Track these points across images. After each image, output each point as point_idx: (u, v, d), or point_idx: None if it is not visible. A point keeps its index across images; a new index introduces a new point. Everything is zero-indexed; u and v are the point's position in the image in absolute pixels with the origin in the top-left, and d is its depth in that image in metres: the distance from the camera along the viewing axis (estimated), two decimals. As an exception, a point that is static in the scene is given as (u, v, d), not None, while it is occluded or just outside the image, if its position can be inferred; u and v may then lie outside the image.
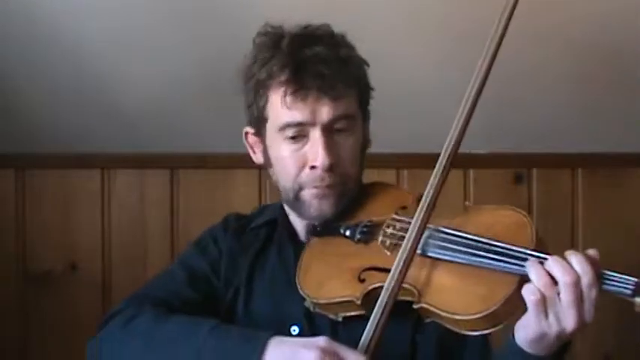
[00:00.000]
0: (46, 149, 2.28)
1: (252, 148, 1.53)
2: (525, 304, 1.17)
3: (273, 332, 1.29)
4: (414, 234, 1.26)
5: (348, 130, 1.41)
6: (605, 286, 1.17)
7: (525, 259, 1.20)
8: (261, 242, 1.53)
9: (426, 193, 1.29)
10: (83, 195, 2.33)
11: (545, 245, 1.25)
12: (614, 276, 1.17)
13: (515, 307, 1.19)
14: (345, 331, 1.34)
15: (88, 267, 2.32)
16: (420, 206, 1.28)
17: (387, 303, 1.23)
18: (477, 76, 1.33)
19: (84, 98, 2.17)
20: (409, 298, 1.26)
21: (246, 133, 1.52)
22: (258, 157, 1.52)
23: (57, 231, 2.32)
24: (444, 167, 1.31)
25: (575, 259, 1.18)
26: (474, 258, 1.23)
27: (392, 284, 1.23)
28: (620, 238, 2.41)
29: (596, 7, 2.03)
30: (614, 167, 2.42)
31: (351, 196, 1.44)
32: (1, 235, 2.31)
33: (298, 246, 1.47)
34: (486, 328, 1.20)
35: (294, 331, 1.41)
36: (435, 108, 2.28)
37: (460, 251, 1.25)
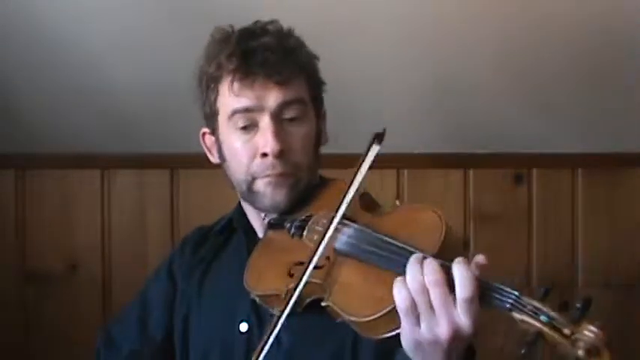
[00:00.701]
0: (46, 149, 2.28)
1: (208, 149, 1.54)
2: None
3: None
4: (326, 231, 1.26)
5: (299, 119, 1.42)
6: (483, 295, 1.09)
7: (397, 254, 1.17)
8: (217, 247, 1.56)
9: (344, 193, 1.29)
10: (83, 195, 2.33)
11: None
12: (495, 286, 1.10)
13: None
14: (286, 321, 1.30)
15: (88, 267, 2.32)
16: (340, 203, 1.28)
17: (291, 295, 1.23)
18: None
19: (84, 98, 2.17)
20: (320, 296, 1.24)
21: (203, 134, 1.54)
22: (214, 157, 1.52)
23: (57, 231, 2.32)
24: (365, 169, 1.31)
25: (456, 262, 1.11)
26: (375, 257, 1.20)
27: (301, 279, 1.24)
28: (619, 238, 2.41)
29: (594, 9, 2.03)
30: (614, 167, 2.42)
31: (305, 187, 1.43)
32: (1, 235, 2.31)
33: (253, 240, 1.48)
34: (384, 332, 1.15)
35: (244, 327, 1.43)
36: (435, 108, 2.28)
37: (364, 250, 1.23)
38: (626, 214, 2.43)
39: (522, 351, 1.03)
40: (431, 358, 1.13)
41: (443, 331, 1.09)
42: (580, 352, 0.99)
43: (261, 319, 1.40)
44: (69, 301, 2.31)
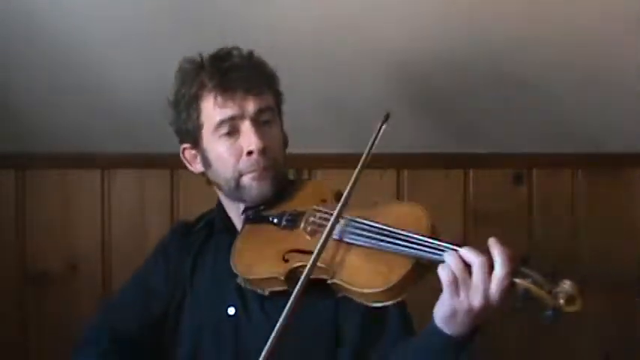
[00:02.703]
0: (46, 149, 2.29)
1: (189, 162, 1.76)
2: (416, 281, 1.39)
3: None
4: (332, 222, 1.49)
5: (271, 122, 1.67)
6: (516, 279, 1.31)
7: (419, 244, 1.39)
8: (201, 240, 1.77)
9: (346, 190, 1.52)
10: (83, 195, 2.33)
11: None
12: (531, 273, 1.31)
13: (409, 282, 1.39)
14: (270, 303, 1.57)
15: (88, 267, 2.33)
16: (341, 201, 1.51)
17: (307, 274, 1.45)
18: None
19: (84, 98, 2.17)
20: (324, 276, 1.46)
21: (183, 150, 1.75)
22: (196, 167, 1.74)
23: (57, 231, 2.32)
24: (360, 170, 1.54)
25: (495, 245, 1.32)
26: (379, 243, 1.44)
27: (312, 261, 1.46)
28: (620, 237, 2.42)
29: (594, 8, 2.03)
30: (614, 167, 2.42)
31: (282, 180, 1.68)
32: (1, 235, 2.31)
33: (234, 235, 1.68)
34: (388, 300, 1.40)
35: (231, 311, 1.64)
36: (436, 108, 2.28)
37: (369, 237, 1.46)
38: (626, 214, 2.43)
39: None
40: (461, 323, 1.35)
41: (478, 301, 1.31)
42: (561, 301, 1.27)
43: (245, 303, 1.63)
44: (69, 301, 2.31)
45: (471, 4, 2.01)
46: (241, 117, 1.62)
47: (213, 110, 1.63)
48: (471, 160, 2.36)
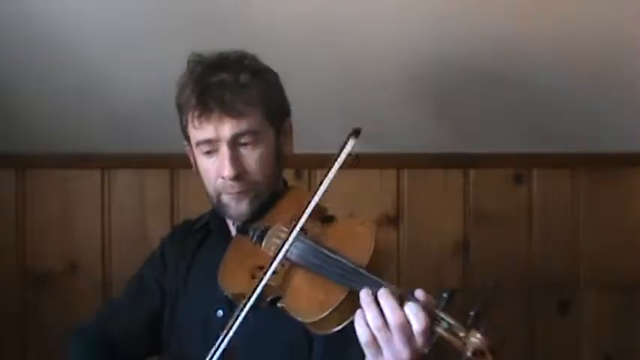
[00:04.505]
0: (46, 149, 2.29)
1: (191, 162, 1.73)
2: (356, 309, 1.32)
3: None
4: (284, 244, 1.45)
5: (253, 144, 1.61)
6: (436, 329, 1.27)
7: (357, 278, 1.35)
8: (198, 241, 1.78)
9: (301, 217, 1.46)
10: (83, 195, 2.33)
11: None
12: (446, 321, 1.27)
13: (348, 310, 1.34)
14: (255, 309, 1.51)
15: (88, 267, 2.33)
16: (292, 226, 1.46)
17: (249, 297, 1.44)
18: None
19: (84, 98, 2.17)
20: (278, 294, 1.46)
21: (186, 147, 1.73)
22: (194, 167, 1.72)
23: (57, 231, 2.32)
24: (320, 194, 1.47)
25: (408, 303, 1.28)
26: (317, 267, 1.42)
27: (259, 282, 1.45)
28: (620, 238, 2.41)
29: (593, 11, 2.03)
30: (614, 167, 2.42)
31: (267, 196, 1.64)
32: (1, 235, 2.31)
33: (228, 238, 1.69)
34: (330, 329, 1.37)
35: (220, 314, 1.65)
36: (436, 108, 2.28)
37: (310, 261, 1.44)
38: (626, 214, 2.43)
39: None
40: None
41: (406, 356, 1.27)
42: (468, 354, 1.22)
43: (233, 308, 1.56)
44: (69, 301, 2.31)
45: (470, 5, 2.01)
46: (217, 140, 1.59)
47: (192, 129, 1.62)
48: (471, 160, 2.36)
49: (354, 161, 1.45)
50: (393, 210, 2.35)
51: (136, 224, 2.33)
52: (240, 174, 1.59)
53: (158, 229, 2.27)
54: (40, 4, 1.97)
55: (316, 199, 1.46)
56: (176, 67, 1.99)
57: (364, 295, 1.31)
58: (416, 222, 2.36)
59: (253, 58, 1.66)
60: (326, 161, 2.00)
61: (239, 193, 1.61)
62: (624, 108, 2.28)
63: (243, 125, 1.59)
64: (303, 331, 1.46)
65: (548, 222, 2.40)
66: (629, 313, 2.43)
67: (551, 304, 2.40)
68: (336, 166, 1.45)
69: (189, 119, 1.62)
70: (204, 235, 1.78)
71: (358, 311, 1.31)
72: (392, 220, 2.34)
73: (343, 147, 1.45)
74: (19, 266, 2.31)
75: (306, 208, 1.46)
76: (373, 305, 1.30)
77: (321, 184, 1.46)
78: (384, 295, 1.30)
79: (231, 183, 1.60)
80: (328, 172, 1.45)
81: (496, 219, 2.38)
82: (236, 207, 1.62)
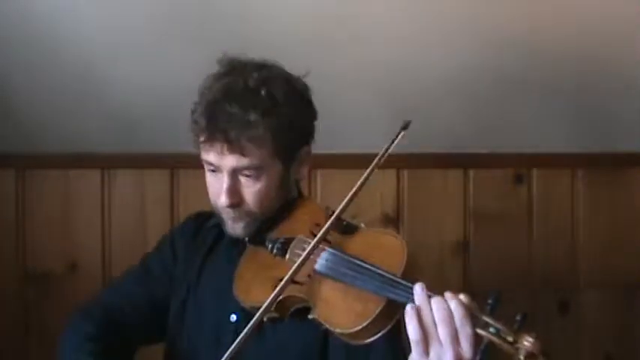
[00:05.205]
0: (46, 149, 2.28)
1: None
2: (393, 318, 1.35)
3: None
4: (305, 254, 1.44)
5: (255, 178, 1.57)
6: (478, 329, 1.27)
7: (394, 285, 1.35)
8: (212, 240, 1.73)
9: (324, 227, 1.45)
10: (83, 195, 2.33)
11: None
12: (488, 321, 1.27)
13: (385, 320, 1.35)
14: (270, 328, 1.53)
15: (88, 267, 2.32)
16: (316, 237, 1.45)
17: (266, 308, 1.42)
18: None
19: (84, 98, 2.17)
20: (305, 305, 1.45)
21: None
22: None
23: (57, 231, 2.32)
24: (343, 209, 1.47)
25: (449, 296, 1.30)
26: (350, 278, 1.40)
27: (277, 291, 1.43)
28: (620, 237, 2.42)
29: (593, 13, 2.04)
30: (614, 167, 2.42)
31: (266, 218, 1.61)
32: (1, 235, 2.31)
33: (242, 245, 1.65)
34: (366, 339, 1.37)
35: (233, 318, 1.62)
36: (436, 108, 2.28)
37: (340, 272, 1.42)
38: (625, 214, 2.43)
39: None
40: None
41: (449, 357, 1.27)
42: (521, 357, 1.23)
43: (247, 313, 1.53)
44: (69, 301, 2.30)
45: (470, 5, 2.02)
46: (219, 166, 1.57)
47: (201, 143, 1.59)
48: (471, 160, 2.36)
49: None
50: (393, 210, 2.35)
51: (136, 224, 2.32)
52: (236, 203, 1.58)
53: (158, 230, 2.27)
54: (40, 5, 1.98)
55: (351, 194, 1.45)
56: (175, 68, 2.00)
57: (419, 289, 1.31)
58: (416, 222, 2.36)
59: (275, 83, 1.58)
60: (325, 161, 1.99)
61: (234, 218, 1.60)
62: (625, 108, 2.28)
63: (244, 161, 1.55)
64: (318, 347, 1.50)
65: (548, 222, 2.40)
66: (629, 313, 2.43)
67: (551, 304, 2.40)
68: (377, 160, 1.48)
69: (199, 134, 1.59)
70: (217, 235, 1.73)
71: (409, 307, 1.30)
72: (392, 220, 2.34)
73: (394, 141, 1.49)
74: (19, 266, 2.31)
75: (341, 207, 1.46)
76: (427, 302, 1.30)
77: (366, 178, 1.47)
78: (435, 298, 1.30)
79: (227, 209, 1.59)
80: (377, 161, 1.48)
81: (496, 219, 2.38)
82: (232, 226, 1.61)
